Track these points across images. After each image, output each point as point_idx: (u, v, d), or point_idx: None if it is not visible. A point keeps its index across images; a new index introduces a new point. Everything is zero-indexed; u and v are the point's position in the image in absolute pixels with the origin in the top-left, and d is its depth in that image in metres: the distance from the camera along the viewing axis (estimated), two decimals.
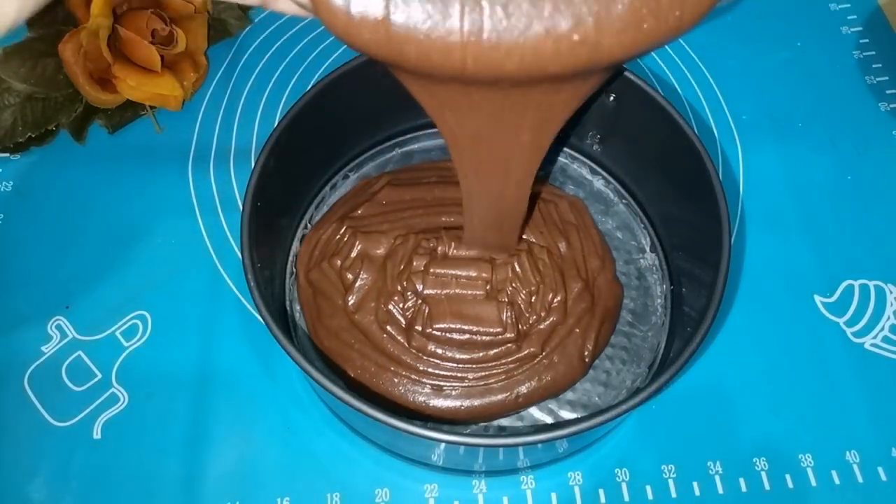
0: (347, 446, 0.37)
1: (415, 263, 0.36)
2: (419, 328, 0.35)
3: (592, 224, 0.40)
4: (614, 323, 0.38)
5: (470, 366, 0.35)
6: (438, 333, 0.35)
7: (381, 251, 0.37)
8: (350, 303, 0.36)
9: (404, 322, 0.36)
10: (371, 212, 0.39)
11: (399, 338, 0.35)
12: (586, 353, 0.36)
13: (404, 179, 0.41)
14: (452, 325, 0.35)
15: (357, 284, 0.36)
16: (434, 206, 0.39)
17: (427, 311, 0.35)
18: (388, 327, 0.35)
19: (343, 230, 0.38)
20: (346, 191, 0.41)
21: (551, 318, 0.36)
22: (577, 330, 0.36)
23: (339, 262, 0.37)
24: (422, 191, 0.40)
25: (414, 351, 0.35)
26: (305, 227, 0.40)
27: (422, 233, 0.38)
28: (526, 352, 0.35)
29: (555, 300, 0.36)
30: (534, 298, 0.36)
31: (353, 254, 0.37)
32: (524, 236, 0.38)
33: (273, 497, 0.35)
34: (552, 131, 0.26)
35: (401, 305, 0.36)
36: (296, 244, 0.39)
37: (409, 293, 0.36)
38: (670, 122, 0.34)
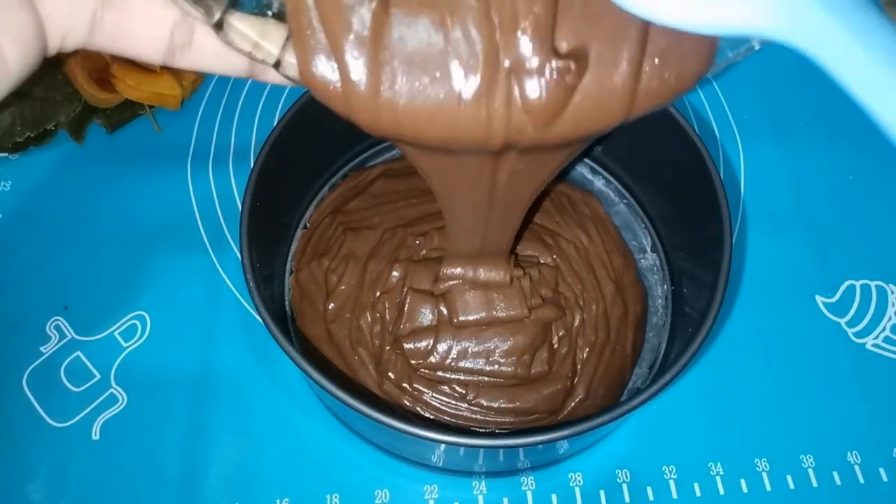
0: (347, 447, 0.36)
1: (394, 273, 0.36)
2: (392, 374, 0.34)
3: (608, 218, 0.40)
4: (644, 333, 0.37)
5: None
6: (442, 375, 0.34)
7: (365, 251, 0.37)
8: (330, 308, 0.36)
9: (375, 346, 0.35)
10: (363, 205, 0.39)
11: (370, 368, 0.35)
12: (625, 387, 0.35)
13: (399, 169, 0.40)
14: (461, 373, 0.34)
15: (339, 289, 0.36)
16: (429, 192, 0.39)
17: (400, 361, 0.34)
18: (360, 350, 0.35)
19: (334, 226, 0.38)
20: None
21: (590, 342, 0.35)
22: (618, 347, 0.35)
23: (326, 263, 0.37)
24: (416, 180, 0.39)
25: (386, 392, 0.35)
26: (305, 226, 0.40)
27: (413, 224, 0.37)
28: (575, 401, 0.35)
29: (597, 312, 0.36)
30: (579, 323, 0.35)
31: (341, 253, 0.37)
32: (536, 221, 0.38)
33: (273, 498, 0.35)
34: (544, 181, 0.26)
35: (370, 320, 0.35)
36: (295, 244, 0.39)
37: (379, 307, 0.35)
38: (671, 122, 0.34)
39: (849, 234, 0.44)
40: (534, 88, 0.19)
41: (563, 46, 0.19)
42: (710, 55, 0.20)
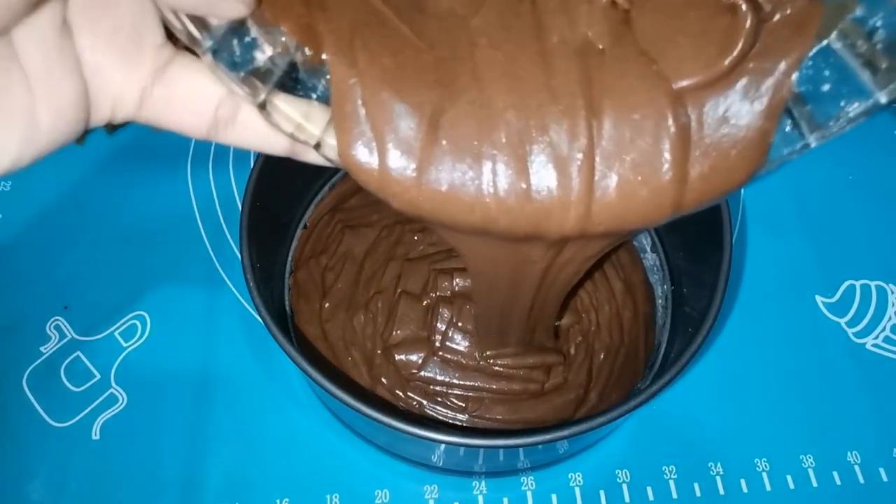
0: (347, 447, 0.36)
1: (389, 271, 0.35)
2: (385, 380, 0.34)
3: None
4: (654, 334, 0.37)
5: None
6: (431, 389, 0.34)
7: (363, 248, 0.37)
8: (325, 307, 0.36)
9: (367, 349, 0.35)
10: (362, 202, 0.39)
11: (363, 371, 0.35)
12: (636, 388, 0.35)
13: None
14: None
15: (336, 287, 0.36)
16: None
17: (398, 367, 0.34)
18: (353, 350, 0.35)
19: (333, 224, 0.38)
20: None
21: (606, 345, 0.35)
22: (631, 350, 0.35)
23: (324, 261, 0.37)
24: None
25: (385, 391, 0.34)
26: (305, 226, 0.40)
27: (412, 220, 0.37)
28: (586, 407, 0.34)
29: (610, 313, 0.35)
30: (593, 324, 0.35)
31: (339, 251, 0.37)
32: None
33: (273, 498, 0.35)
34: (582, 270, 0.26)
35: (362, 320, 0.35)
36: (295, 243, 0.39)
37: (372, 307, 0.35)
38: None
39: (849, 234, 0.44)
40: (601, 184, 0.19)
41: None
42: (760, 153, 0.19)
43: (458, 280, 0.34)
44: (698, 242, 0.35)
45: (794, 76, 0.18)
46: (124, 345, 0.39)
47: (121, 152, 0.45)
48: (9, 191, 0.44)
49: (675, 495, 0.35)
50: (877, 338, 0.40)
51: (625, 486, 0.36)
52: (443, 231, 0.23)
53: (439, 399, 0.34)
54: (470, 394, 0.34)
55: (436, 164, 0.18)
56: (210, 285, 0.41)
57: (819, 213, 0.44)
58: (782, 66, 0.18)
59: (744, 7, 0.17)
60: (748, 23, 0.17)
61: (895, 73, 0.17)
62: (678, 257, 0.38)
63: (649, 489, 0.36)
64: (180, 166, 0.45)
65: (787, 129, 0.19)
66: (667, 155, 0.18)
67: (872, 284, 0.42)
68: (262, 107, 0.18)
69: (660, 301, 0.39)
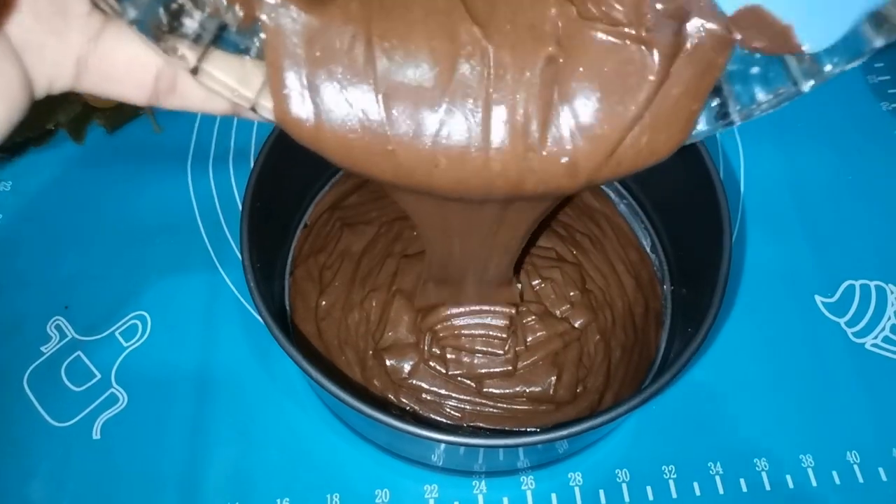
0: (347, 446, 0.36)
1: (385, 268, 0.35)
2: (377, 383, 0.34)
3: (617, 212, 0.40)
4: (662, 332, 0.37)
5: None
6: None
7: (361, 246, 0.37)
8: (322, 305, 0.35)
9: (360, 349, 0.35)
10: (362, 200, 0.39)
11: (357, 371, 0.35)
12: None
13: None
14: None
15: (333, 285, 0.36)
16: None
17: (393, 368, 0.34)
18: (347, 350, 0.35)
19: (332, 222, 0.38)
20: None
21: (622, 343, 0.34)
22: (644, 348, 0.35)
23: (322, 259, 0.37)
24: None
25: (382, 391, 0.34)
26: (305, 225, 0.40)
27: (409, 217, 0.37)
28: (584, 403, 0.34)
29: (622, 308, 0.35)
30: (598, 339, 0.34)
31: (337, 249, 0.37)
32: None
33: (273, 497, 0.35)
34: (528, 228, 0.26)
35: (357, 318, 0.35)
36: (295, 243, 0.39)
37: (366, 304, 0.35)
38: None
39: (848, 234, 0.44)
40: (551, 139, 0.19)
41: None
42: (686, 130, 0.19)
43: None
44: (698, 242, 0.35)
45: (727, 54, 0.18)
46: (125, 344, 0.39)
47: (121, 152, 0.45)
48: (9, 191, 0.44)
49: (674, 495, 0.35)
50: (876, 338, 0.40)
51: (624, 486, 0.36)
52: (391, 190, 0.23)
53: (433, 406, 0.34)
54: (466, 407, 0.34)
55: (375, 115, 0.18)
56: (210, 285, 0.41)
57: (819, 213, 0.44)
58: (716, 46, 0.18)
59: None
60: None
61: (817, 67, 0.18)
62: (678, 257, 0.38)
63: (649, 489, 0.36)
64: (180, 166, 0.45)
65: (713, 104, 0.19)
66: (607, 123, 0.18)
67: (872, 284, 0.42)
68: (195, 72, 0.18)
69: (660, 301, 0.39)
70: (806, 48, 0.18)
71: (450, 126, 0.19)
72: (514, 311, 0.33)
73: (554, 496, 0.35)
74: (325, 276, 0.36)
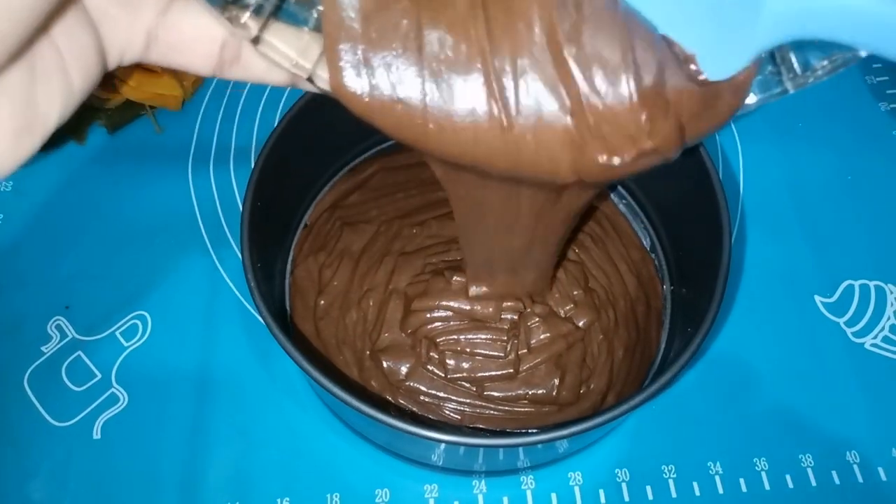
0: (347, 446, 0.36)
1: (383, 267, 0.35)
2: (374, 384, 0.34)
3: (617, 211, 0.40)
4: (665, 331, 0.37)
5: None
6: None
7: (360, 245, 0.37)
8: (320, 304, 0.36)
9: (357, 349, 0.35)
10: (362, 199, 0.39)
11: (354, 371, 0.34)
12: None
13: (399, 161, 0.40)
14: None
15: (332, 285, 0.36)
16: (429, 183, 0.39)
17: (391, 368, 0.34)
18: (345, 350, 0.35)
19: (332, 221, 0.38)
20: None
21: (624, 342, 0.34)
22: (646, 347, 0.35)
23: (322, 258, 0.37)
24: (416, 171, 0.39)
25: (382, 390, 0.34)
26: (305, 225, 0.40)
27: (410, 214, 0.37)
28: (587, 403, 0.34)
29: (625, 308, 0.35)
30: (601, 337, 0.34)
31: (337, 248, 0.37)
32: None
33: (273, 497, 0.35)
34: (573, 215, 0.26)
35: (354, 318, 0.35)
36: (295, 243, 0.39)
37: (364, 304, 0.35)
38: None
39: (848, 234, 0.44)
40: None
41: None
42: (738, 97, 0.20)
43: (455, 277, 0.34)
44: (698, 242, 0.35)
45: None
46: (125, 344, 0.39)
47: (122, 152, 0.45)
48: (9, 191, 0.44)
49: (674, 494, 0.36)
50: (875, 337, 0.40)
51: (624, 486, 0.36)
52: (432, 162, 0.23)
53: (432, 409, 0.34)
54: (466, 409, 0.34)
55: (430, 90, 0.19)
56: (211, 285, 0.41)
57: (818, 213, 0.44)
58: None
59: None
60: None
61: None
62: (677, 257, 0.38)
63: (648, 488, 0.36)
64: (181, 166, 0.45)
65: (768, 73, 0.19)
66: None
67: (871, 284, 0.42)
68: (256, 42, 0.19)
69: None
70: (704, 77, 0.19)
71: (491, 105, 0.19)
72: (516, 317, 0.33)
73: (554, 496, 0.35)
74: (325, 276, 0.36)
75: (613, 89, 0.19)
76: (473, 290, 0.33)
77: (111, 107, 0.44)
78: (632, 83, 0.19)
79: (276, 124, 0.33)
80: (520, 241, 0.28)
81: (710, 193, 0.32)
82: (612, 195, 0.42)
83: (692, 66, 0.19)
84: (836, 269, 0.42)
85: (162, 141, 0.46)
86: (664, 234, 0.39)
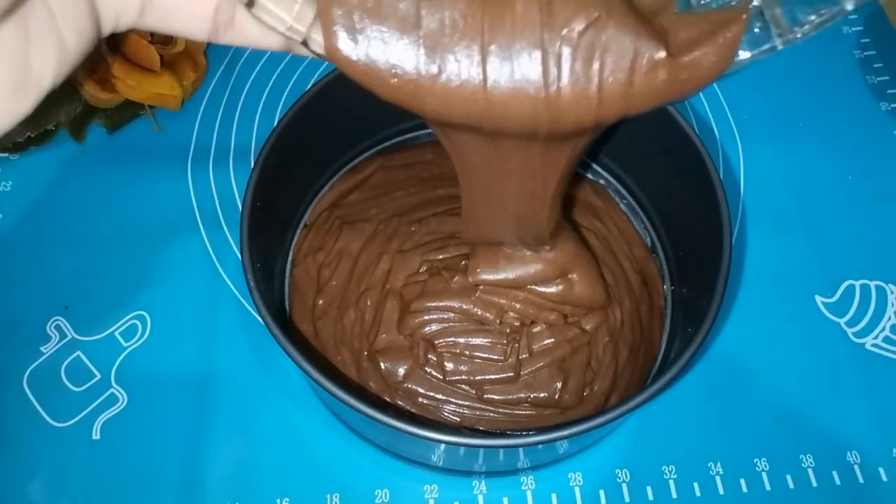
0: (347, 447, 0.36)
1: (380, 266, 0.35)
2: (372, 384, 0.34)
3: (619, 209, 0.40)
4: (667, 330, 0.36)
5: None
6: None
7: (359, 244, 0.37)
8: (319, 304, 0.35)
9: (355, 349, 0.35)
10: (361, 197, 0.39)
11: (353, 371, 0.34)
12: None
13: (399, 160, 0.40)
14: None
15: (330, 284, 0.36)
16: (429, 181, 0.39)
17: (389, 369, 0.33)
18: (343, 350, 0.35)
19: (331, 220, 0.38)
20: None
21: (629, 342, 0.34)
22: (649, 347, 0.34)
23: (321, 258, 0.37)
24: (417, 169, 0.39)
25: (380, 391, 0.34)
26: (305, 225, 0.40)
27: (409, 212, 0.37)
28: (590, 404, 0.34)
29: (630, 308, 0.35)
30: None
31: (335, 247, 0.37)
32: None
33: (273, 497, 0.35)
34: (572, 161, 0.26)
35: (352, 318, 0.35)
36: (295, 243, 0.39)
37: (361, 303, 0.35)
38: (671, 122, 0.34)
39: (849, 234, 0.44)
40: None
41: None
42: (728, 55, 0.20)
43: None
44: (698, 242, 0.35)
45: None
46: (124, 345, 0.39)
47: (121, 152, 0.45)
48: (9, 191, 0.44)
49: (674, 495, 0.35)
50: (876, 338, 0.40)
51: (624, 486, 0.36)
52: (434, 126, 0.23)
53: (431, 411, 0.34)
54: (465, 412, 0.34)
55: (423, 53, 0.19)
56: (210, 285, 0.41)
57: (819, 212, 0.44)
58: None
59: None
60: None
61: None
62: (678, 257, 0.38)
63: (649, 489, 0.36)
64: (180, 166, 0.45)
65: (756, 30, 0.19)
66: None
67: (872, 284, 0.42)
68: (250, 5, 0.19)
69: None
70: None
71: (489, 71, 0.19)
72: (518, 324, 0.33)
73: (554, 496, 0.35)
74: (323, 275, 0.36)
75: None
76: (478, 275, 0.33)
77: (110, 107, 0.44)
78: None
79: (275, 124, 0.33)
80: (526, 194, 0.27)
81: (711, 193, 0.32)
82: (612, 195, 0.42)
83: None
84: (837, 268, 0.42)
85: (161, 141, 0.46)
86: (664, 234, 0.39)
